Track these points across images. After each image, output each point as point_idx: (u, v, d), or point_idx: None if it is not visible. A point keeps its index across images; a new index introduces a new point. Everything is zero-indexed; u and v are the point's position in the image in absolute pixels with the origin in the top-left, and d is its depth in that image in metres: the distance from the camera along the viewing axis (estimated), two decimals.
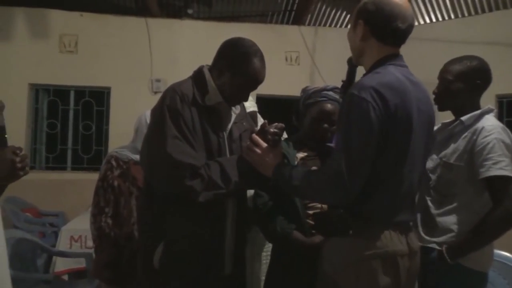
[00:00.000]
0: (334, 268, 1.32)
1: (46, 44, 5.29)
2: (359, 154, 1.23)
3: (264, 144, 1.46)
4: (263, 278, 1.87)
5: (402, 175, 1.30)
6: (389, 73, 1.31)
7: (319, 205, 1.63)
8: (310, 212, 1.63)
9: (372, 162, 1.25)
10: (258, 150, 1.45)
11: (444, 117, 1.81)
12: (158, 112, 1.48)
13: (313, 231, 1.60)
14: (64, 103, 5.53)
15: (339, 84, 1.64)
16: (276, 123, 1.54)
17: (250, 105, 2.11)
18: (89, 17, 5.43)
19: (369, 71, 1.37)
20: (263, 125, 1.52)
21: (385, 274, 1.28)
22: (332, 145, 1.75)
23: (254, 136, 1.48)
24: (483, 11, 5.47)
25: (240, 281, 1.65)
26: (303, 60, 5.81)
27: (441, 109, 1.75)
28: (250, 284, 1.84)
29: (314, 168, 1.63)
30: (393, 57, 1.36)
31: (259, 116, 2.20)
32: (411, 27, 1.35)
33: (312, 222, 1.62)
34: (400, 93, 1.27)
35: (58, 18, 5.35)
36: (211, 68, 1.56)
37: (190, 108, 1.46)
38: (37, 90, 5.47)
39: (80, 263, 3.15)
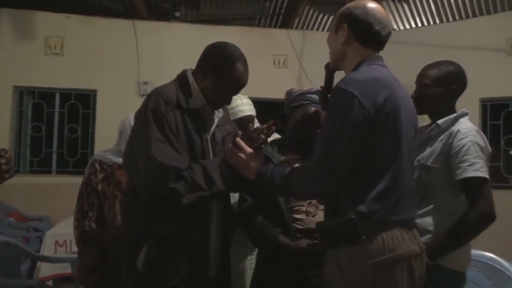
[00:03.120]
0: (348, 277, 1.26)
1: (31, 46, 5.22)
2: (340, 149, 1.23)
3: (248, 149, 1.47)
4: (249, 280, 1.86)
5: (400, 170, 1.29)
6: (374, 69, 1.34)
7: (304, 209, 1.64)
8: (297, 216, 1.63)
9: (365, 159, 1.24)
10: (242, 155, 1.46)
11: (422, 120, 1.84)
12: (142, 115, 1.48)
13: (298, 235, 1.60)
14: (49, 106, 5.46)
15: None
16: (263, 126, 1.54)
17: (249, 108, 2.12)
18: (75, 19, 5.37)
19: (352, 71, 1.38)
20: (247, 130, 1.53)
21: (401, 278, 1.24)
22: None
23: (238, 140, 1.49)
24: (467, 16, 5.57)
25: (225, 283, 1.64)
26: (291, 64, 5.84)
27: (418, 112, 1.78)
28: (236, 286, 1.84)
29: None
30: (375, 58, 1.39)
31: (256, 120, 2.19)
32: (389, 34, 1.40)
33: (298, 226, 1.62)
34: (387, 87, 1.29)
35: (44, 20, 5.29)
36: (195, 72, 1.58)
37: (174, 111, 1.47)
38: (21, 93, 5.39)
39: (65, 268, 3.09)
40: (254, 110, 2.15)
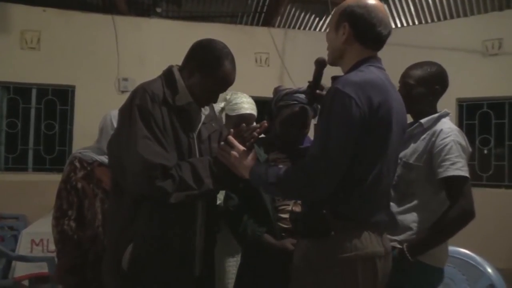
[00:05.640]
0: (314, 269, 1.30)
1: (7, 40, 5.08)
2: (337, 149, 1.23)
3: (241, 147, 1.45)
4: (233, 280, 1.87)
5: (381, 174, 1.31)
6: (372, 72, 1.33)
7: (290, 208, 1.64)
8: (282, 215, 1.64)
9: (352, 160, 1.26)
10: (235, 153, 1.44)
11: None
12: (127, 112, 1.44)
13: (283, 234, 1.60)
14: (25, 102, 5.33)
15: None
16: (255, 125, 1.53)
17: (250, 107, 2.11)
18: (53, 13, 5.25)
19: (349, 71, 1.37)
20: (240, 128, 1.51)
21: (364, 275, 1.28)
22: (303, 147, 1.76)
23: (231, 138, 1.47)
24: (445, 18, 5.70)
25: (209, 282, 1.64)
26: (273, 62, 5.85)
27: None
28: (220, 285, 1.83)
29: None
30: (374, 59, 1.39)
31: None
32: (389, 34, 1.39)
33: (283, 225, 1.62)
34: (383, 91, 1.30)
35: (20, 13, 5.15)
36: (181, 68, 1.55)
37: (160, 108, 1.44)
38: None
39: (42, 268, 3.02)
40: (255, 110, 2.15)
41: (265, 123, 1.53)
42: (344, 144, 1.24)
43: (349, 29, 1.36)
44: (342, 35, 1.37)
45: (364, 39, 1.36)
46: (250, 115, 2.09)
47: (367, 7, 1.35)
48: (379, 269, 1.31)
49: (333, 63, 1.47)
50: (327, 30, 1.47)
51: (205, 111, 1.61)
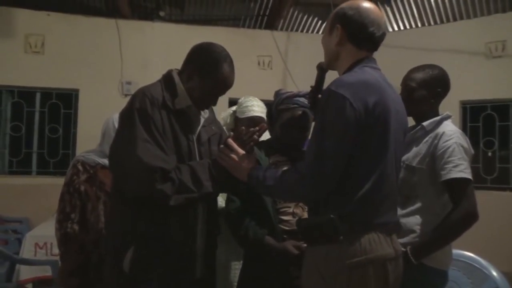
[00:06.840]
0: (323, 276, 1.28)
1: (11, 44, 5.11)
2: (332, 151, 1.23)
3: (240, 150, 1.46)
4: (235, 283, 1.86)
5: (383, 175, 1.30)
6: (366, 72, 1.33)
7: (291, 210, 1.65)
8: (283, 217, 1.64)
9: (352, 161, 1.25)
10: (234, 156, 1.45)
11: None
12: (127, 115, 1.46)
13: (285, 236, 1.61)
14: (29, 105, 5.36)
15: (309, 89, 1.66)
16: (255, 128, 1.54)
17: (260, 110, 2.15)
18: (57, 17, 5.29)
19: (344, 73, 1.37)
20: (240, 132, 1.52)
21: (375, 279, 1.26)
22: (304, 150, 1.76)
23: (230, 141, 1.48)
24: (448, 20, 5.69)
25: (210, 284, 1.64)
26: (276, 65, 5.86)
27: None
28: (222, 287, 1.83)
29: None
30: (368, 60, 1.39)
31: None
32: (384, 35, 1.39)
33: (284, 227, 1.62)
34: (378, 90, 1.29)
35: (24, 17, 5.19)
36: (181, 72, 1.57)
37: (160, 111, 1.45)
38: (0, 92, 5.27)
39: (45, 271, 3.03)
40: (266, 113, 2.17)
41: (264, 126, 1.54)
42: (339, 145, 1.24)
43: (341, 30, 1.37)
44: (335, 37, 1.38)
45: (356, 40, 1.37)
46: (260, 118, 2.12)
47: (358, 8, 1.37)
48: (390, 273, 1.30)
49: (329, 66, 1.47)
50: (323, 35, 1.48)
51: (205, 114, 1.62)
